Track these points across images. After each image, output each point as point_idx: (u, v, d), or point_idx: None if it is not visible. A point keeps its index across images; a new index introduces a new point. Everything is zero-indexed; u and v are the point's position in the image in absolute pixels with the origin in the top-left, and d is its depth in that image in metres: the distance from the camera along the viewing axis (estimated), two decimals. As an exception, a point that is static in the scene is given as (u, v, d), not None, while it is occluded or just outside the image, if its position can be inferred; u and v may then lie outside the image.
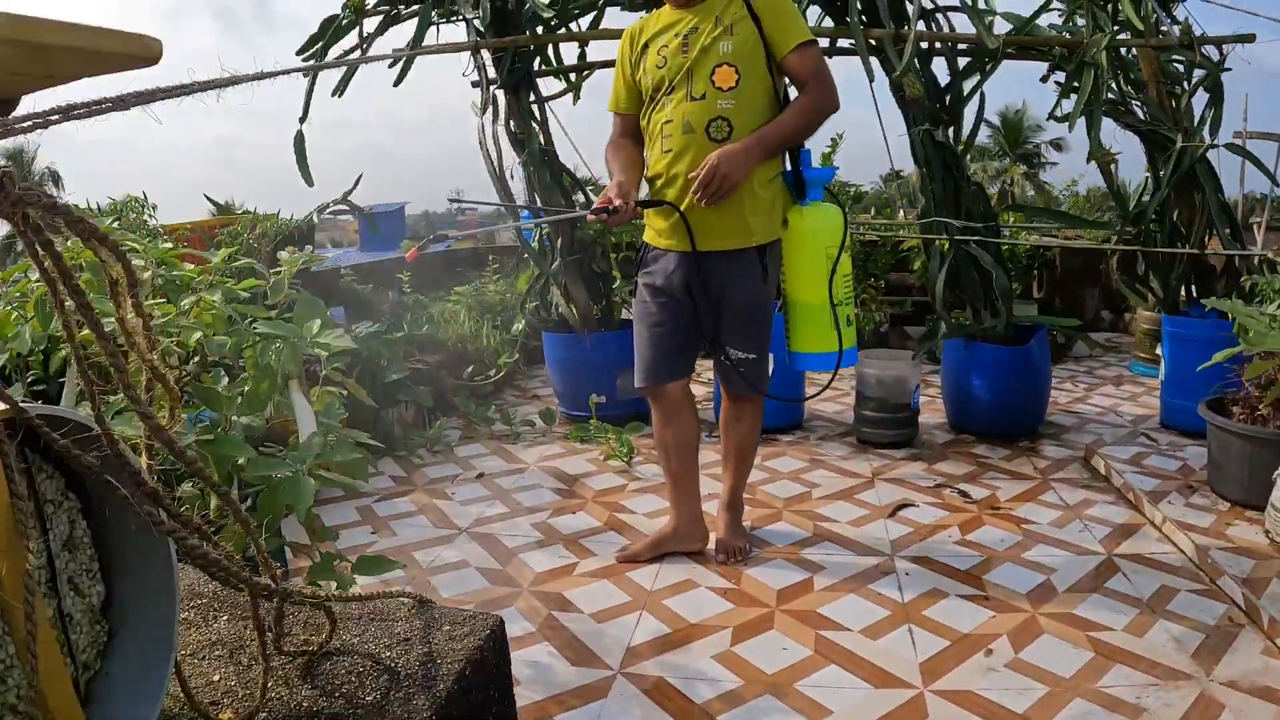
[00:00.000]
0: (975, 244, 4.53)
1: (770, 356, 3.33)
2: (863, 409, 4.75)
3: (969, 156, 5.16)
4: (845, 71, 4.87)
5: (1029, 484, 4.14)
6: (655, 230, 3.19)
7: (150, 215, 4.78)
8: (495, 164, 4.94)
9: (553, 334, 5.20)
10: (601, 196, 2.97)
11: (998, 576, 3.21)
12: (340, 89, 4.60)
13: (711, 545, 3.45)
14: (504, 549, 3.58)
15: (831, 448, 4.79)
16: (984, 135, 43.57)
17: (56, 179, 44.99)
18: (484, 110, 4.85)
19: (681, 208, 3.00)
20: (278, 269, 3.24)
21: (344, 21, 4.38)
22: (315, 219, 5.94)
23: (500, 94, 4.92)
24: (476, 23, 4.40)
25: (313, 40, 4.39)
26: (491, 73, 4.83)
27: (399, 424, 5.21)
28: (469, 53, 4.51)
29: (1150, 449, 4.46)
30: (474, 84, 4.88)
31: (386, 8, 4.55)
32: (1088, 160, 4.45)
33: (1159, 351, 4.92)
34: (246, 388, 2.67)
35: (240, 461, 2.32)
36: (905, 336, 7.21)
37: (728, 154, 2.84)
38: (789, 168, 3.10)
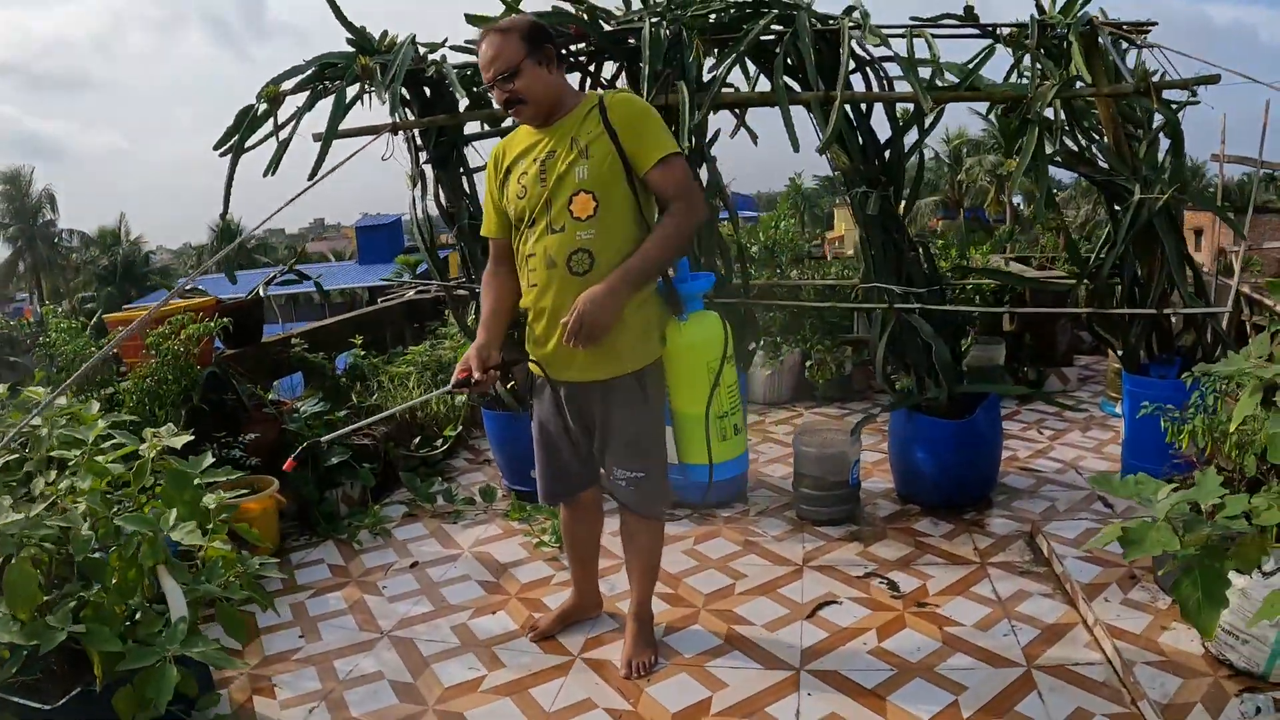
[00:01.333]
0: (917, 312, 4.39)
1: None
2: (800, 485, 4.64)
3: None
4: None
5: (965, 570, 4.02)
6: (531, 355, 3.13)
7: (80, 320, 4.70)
8: (426, 239, 4.87)
9: (491, 411, 5.12)
10: (461, 362, 3.02)
11: (903, 697, 3.10)
12: (272, 169, 4.54)
13: (619, 656, 3.40)
14: (419, 657, 3.57)
15: (769, 525, 4.68)
16: (978, 128, 42.95)
17: (53, 202, 45.37)
18: (413, 185, 4.79)
19: (550, 345, 2.97)
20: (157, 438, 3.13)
21: (259, 111, 4.31)
22: (261, 291, 5.89)
23: (429, 169, 4.84)
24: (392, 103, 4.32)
25: (228, 134, 4.32)
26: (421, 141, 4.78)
27: (344, 502, 5.16)
28: (389, 134, 4.43)
29: (1103, 522, 4.30)
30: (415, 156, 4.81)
31: (308, 91, 4.48)
32: (1033, 223, 4.30)
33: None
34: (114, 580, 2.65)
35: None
36: (871, 378, 7.09)
37: (593, 298, 2.75)
38: (662, 282, 3.02)
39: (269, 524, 4.68)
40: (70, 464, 2.84)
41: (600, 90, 3.07)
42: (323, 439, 3.37)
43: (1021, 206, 39.84)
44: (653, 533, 3.33)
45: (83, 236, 46.11)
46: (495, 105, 2.94)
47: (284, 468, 3.03)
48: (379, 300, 8.53)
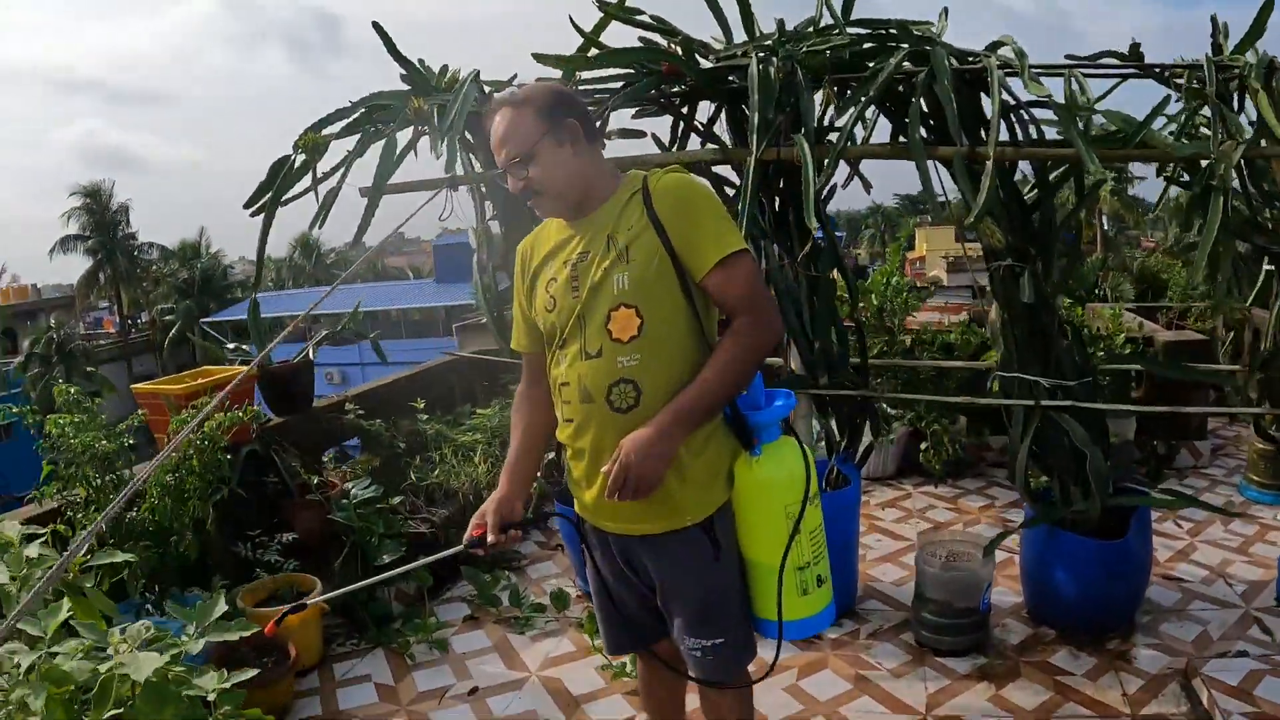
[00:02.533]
0: (1067, 411, 3.74)
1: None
2: (923, 609, 4.00)
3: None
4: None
5: (1115, 729, 3.37)
6: (575, 497, 2.60)
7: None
8: (493, 308, 4.34)
9: (565, 506, 4.50)
10: (477, 517, 2.50)
11: None
12: (320, 220, 4.04)
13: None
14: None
15: (884, 653, 4.06)
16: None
17: (127, 215, 46.20)
18: (478, 247, 4.27)
19: (592, 493, 2.44)
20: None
21: (297, 164, 3.80)
22: (311, 354, 5.43)
23: (496, 225, 4.32)
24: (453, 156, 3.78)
25: (262, 189, 3.82)
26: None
27: (398, 599, 4.65)
28: (447, 189, 3.90)
29: (1267, 661, 3.64)
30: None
31: (358, 134, 3.97)
32: (1214, 313, 3.63)
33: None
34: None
35: None
36: (983, 448, 6.46)
37: (639, 445, 2.21)
38: (728, 410, 2.44)
39: (310, 635, 4.21)
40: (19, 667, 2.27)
41: (646, 170, 2.47)
42: (322, 598, 2.79)
43: (1108, 226, 38.39)
44: (741, 699, 2.70)
45: (162, 250, 46.87)
46: (511, 192, 2.41)
47: (265, 631, 2.52)
48: (454, 327, 8.01)
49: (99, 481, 3.84)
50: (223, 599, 2.72)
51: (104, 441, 3.77)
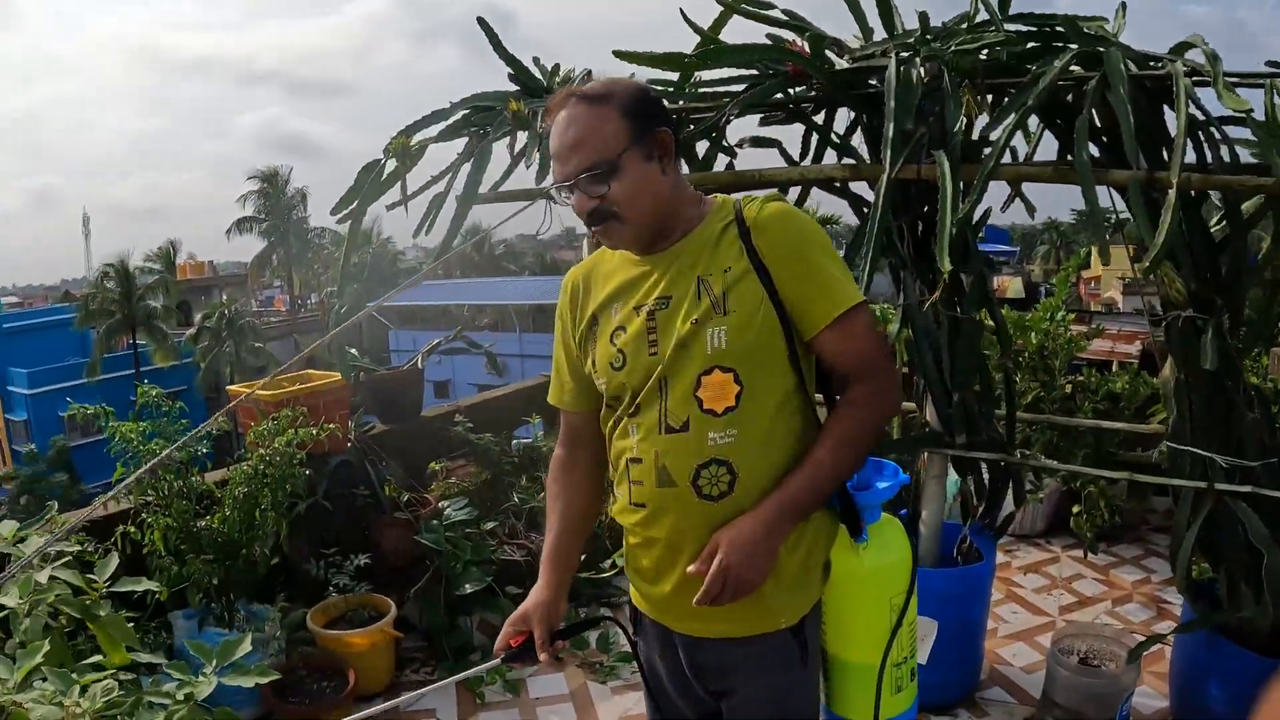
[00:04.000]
0: (1245, 498, 3.26)
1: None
2: (1048, 714, 3.58)
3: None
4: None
5: None
6: (635, 587, 2.21)
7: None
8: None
9: None
10: (513, 621, 2.12)
11: None
12: (426, 228, 3.89)
13: None
14: None
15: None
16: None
17: (305, 200, 48.49)
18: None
19: (665, 588, 2.05)
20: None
21: (388, 170, 3.62)
22: (420, 362, 5.34)
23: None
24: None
25: (350, 195, 3.65)
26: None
27: (480, 630, 4.47)
28: (545, 201, 3.68)
29: None
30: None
31: (466, 137, 3.77)
32: None
33: None
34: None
35: None
36: (1147, 510, 5.95)
37: (743, 546, 1.85)
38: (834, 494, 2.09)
39: (379, 660, 4.08)
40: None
41: (739, 195, 2.08)
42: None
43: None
44: None
45: (334, 235, 48.75)
46: (577, 214, 1.96)
47: None
48: None
49: (170, 488, 3.78)
50: (249, 639, 2.55)
51: (164, 447, 3.70)
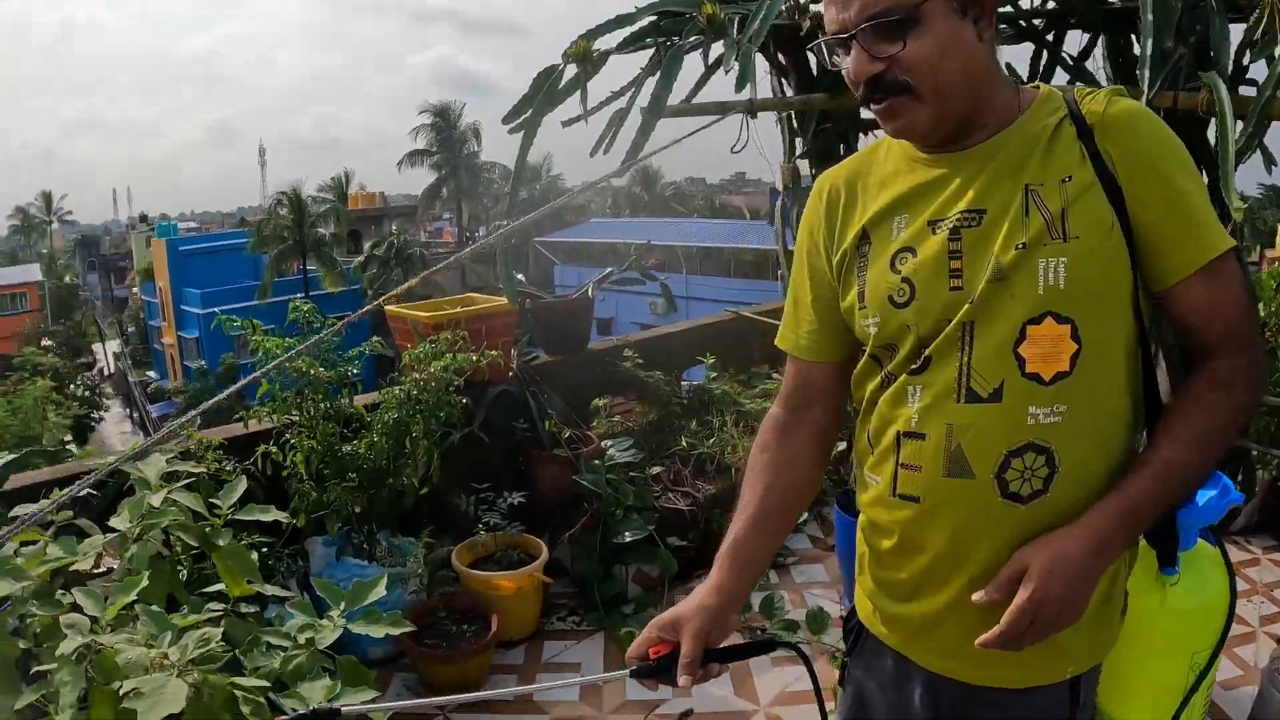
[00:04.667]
0: None
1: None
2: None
3: None
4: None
5: None
6: (869, 600, 1.69)
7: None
8: (786, 255, 3.81)
9: (842, 511, 3.91)
10: (658, 626, 1.58)
11: None
12: (605, 146, 3.65)
13: None
14: None
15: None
16: None
17: (478, 136, 49.16)
18: (784, 186, 3.74)
19: (929, 608, 1.55)
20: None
21: (567, 77, 3.35)
22: (591, 291, 5.13)
23: (805, 164, 3.76)
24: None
25: (524, 102, 3.40)
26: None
27: (637, 582, 4.26)
28: (743, 114, 3.38)
29: None
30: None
31: (651, 48, 3.49)
32: None
33: None
34: None
35: None
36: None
37: (1061, 572, 1.37)
38: None
39: (526, 606, 3.91)
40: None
41: (1063, 86, 1.61)
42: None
43: None
44: None
45: (504, 169, 49.32)
46: (852, 82, 1.46)
47: None
48: (780, 274, 7.48)
49: (316, 409, 3.65)
50: (383, 583, 2.34)
51: (321, 369, 3.56)
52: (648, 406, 5.16)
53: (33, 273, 53.25)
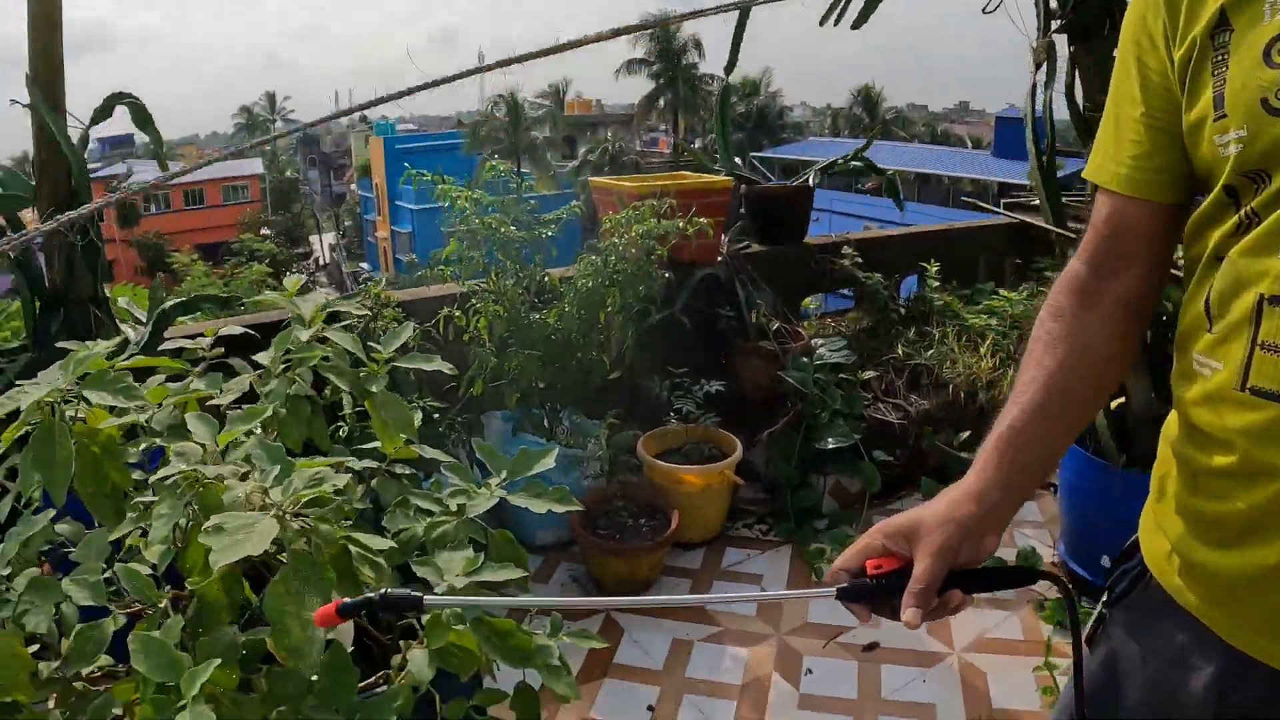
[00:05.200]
0: None
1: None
2: None
3: None
4: None
5: None
6: (1165, 537, 1.17)
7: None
8: (1042, 150, 3.30)
9: (1076, 446, 3.30)
10: (873, 535, 1.16)
11: None
12: (837, 14, 3.22)
13: None
14: None
15: None
16: None
17: (700, 48, 48.35)
18: (1036, 66, 3.23)
19: (1256, 565, 1.01)
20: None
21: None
22: (812, 180, 4.69)
23: (1062, 41, 3.25)
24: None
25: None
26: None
27: (833, 495, 3.85)
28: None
29: None
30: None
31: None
32: None
33: None
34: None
35: None
36: None
37: None
38: None
39: (711, 506, 3.57)
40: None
41: None
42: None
43: None
44: None
45: (723, 82, 48.86)
46: None
47: (315, 619, 1.45)
48: (1002, 203, 6.83)
49: (505, 272, 3.35)
50: (554, 455, 1.98)
51: (512, 228, 3.24)
52: (861, 312, 4.73)
53: (255, 166, 55.25)
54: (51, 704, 1.54)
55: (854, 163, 4.98)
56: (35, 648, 1.58)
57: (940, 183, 39.27)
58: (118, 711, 1.46)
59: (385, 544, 1.55)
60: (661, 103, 48.62)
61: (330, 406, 2.14)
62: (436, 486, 2.02)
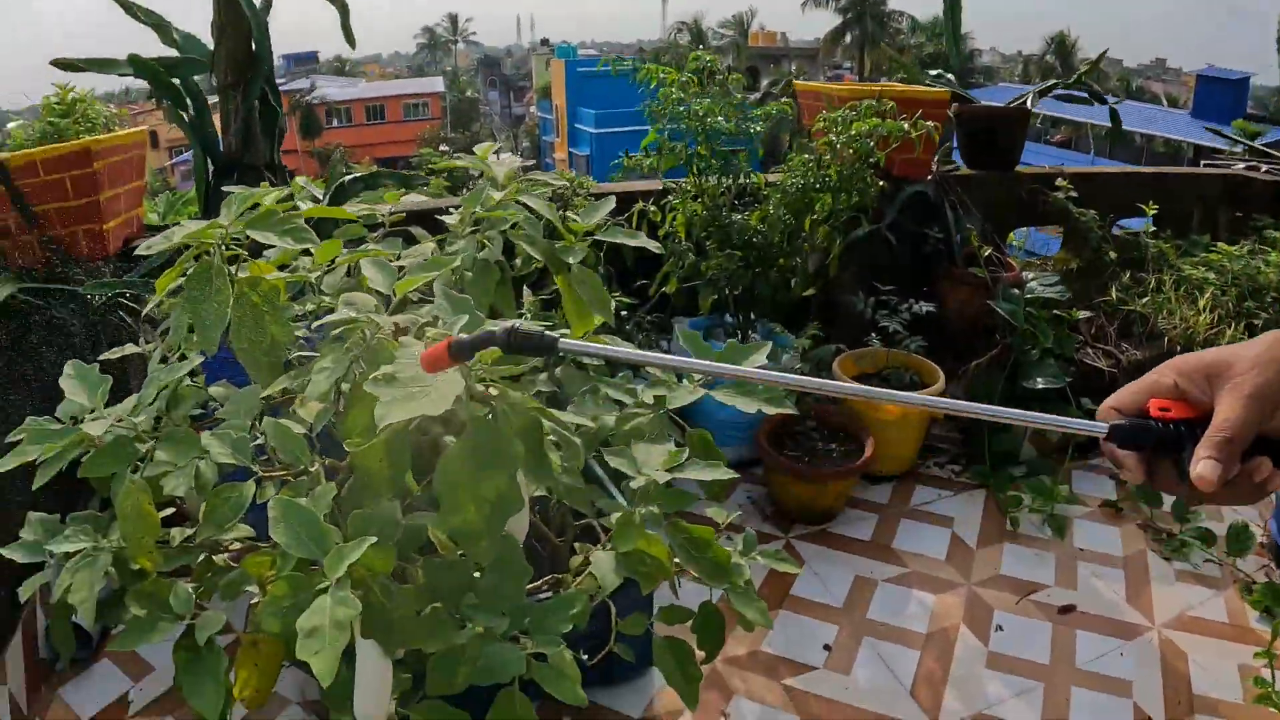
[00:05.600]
0: None
1: None
2: None
3: None
4: None
5: None
6: None
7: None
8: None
9: None
10: (1155, 376, 0.85)
11: None
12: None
13: None
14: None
15: None
16: None
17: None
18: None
19: None
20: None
21: None
22: (1030, 103, 4.27)
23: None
24: None
25: None
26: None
27: (1033, 443, 3.49)
28: None
29: None
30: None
31: None
32: None
33: None
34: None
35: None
36: None
37: None
38: None
39: (906, 437, 3.28)
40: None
41: None
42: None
43: None
44: None
45: (912, 20, 47.01)
46: None
47: (422, 360, 1.14)
48: (1201, 163, 6.27)
49: (709, 166, 3.06)
50: (766, 349, 1.69)
51: (720, 119, 2.94)
52: (1070, 251, 4.29)
53: (436, 84, 55.44)
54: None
55: (1076, 90, 4.52)
56: (169, 511, 1.39)
57: (1132, 141, 37.30)
58: (251, 589, 1.25)
59: (582, 420, 1.29)
60: (848, 38, 47.24)
61: (515, 282, 1.90)
62: (626, 380, 1.77)
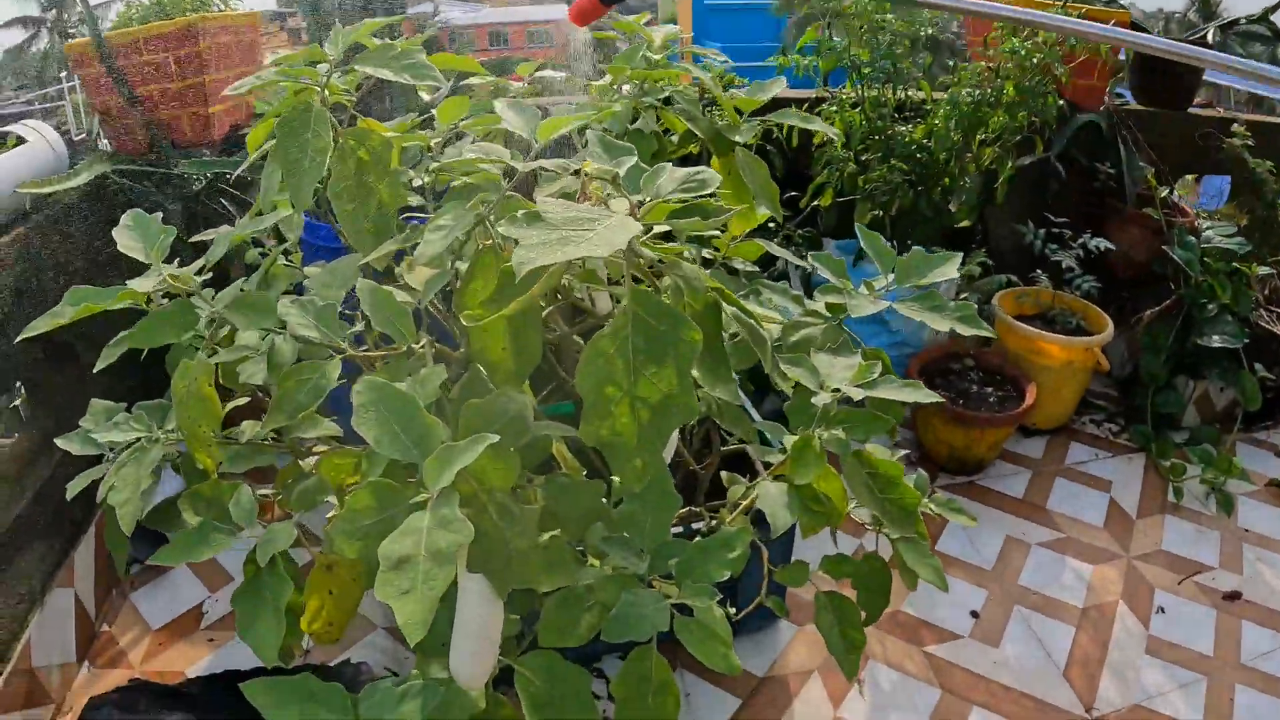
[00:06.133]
0: None
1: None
2: None
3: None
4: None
5: None
6: None
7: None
8: None
9: None
10: None
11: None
12: None
13: None
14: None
15: None
16: None
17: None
18: None
19: None
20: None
21: None
22: (1211, 35, 3.84)
23: None
24: None
25: None
26: None
27: (1196, 406, 3.10)
28: None
29: None
30: None
31: None
32: None
33: None
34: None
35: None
36: None
37: None
38: None
39: (1068, 387, 2.93)
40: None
41: None
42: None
43: None
44: None
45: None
46: None
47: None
48: None
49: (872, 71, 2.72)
50: (956, 261, 1.38)
51: (889, 15, 2.61)
52: (1239, 205, 3.84)
53: (560, 12, 54.89)
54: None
55: (1258, 26, 4.03)
56: (242, 402, 1.12)
57: (1273, 108, 35.48)
58: (331, 499, 0.97)
59: (769, 314, 0.99)
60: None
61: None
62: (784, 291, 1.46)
